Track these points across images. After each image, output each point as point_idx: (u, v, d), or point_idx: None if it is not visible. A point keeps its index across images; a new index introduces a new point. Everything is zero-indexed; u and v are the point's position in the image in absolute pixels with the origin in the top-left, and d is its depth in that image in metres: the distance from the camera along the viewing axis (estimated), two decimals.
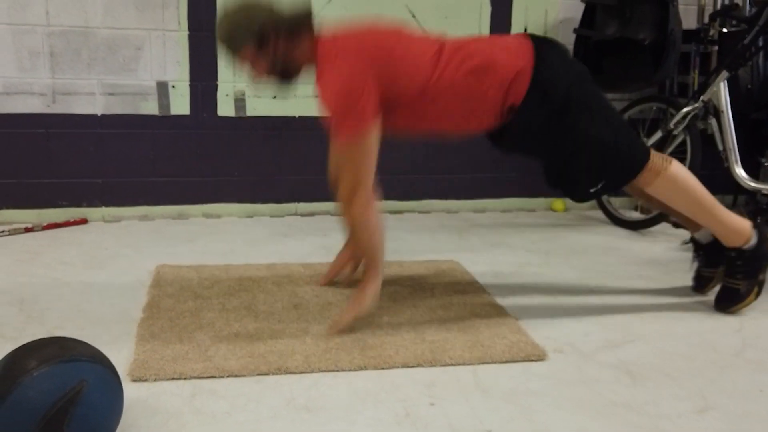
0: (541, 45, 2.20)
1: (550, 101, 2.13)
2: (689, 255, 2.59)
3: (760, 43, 3.03)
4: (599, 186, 2.24)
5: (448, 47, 2.17)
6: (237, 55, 2.13)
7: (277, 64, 2.14)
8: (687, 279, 2.63)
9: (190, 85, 3.35)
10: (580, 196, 2.31)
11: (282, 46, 2.11)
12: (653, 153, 2.25)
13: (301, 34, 2.13)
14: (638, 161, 2.22)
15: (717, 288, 2.42)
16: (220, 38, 2.13)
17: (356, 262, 2.47)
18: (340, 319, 2.10)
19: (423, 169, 3.69)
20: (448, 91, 2.12)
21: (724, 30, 3.39)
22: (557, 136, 2.17)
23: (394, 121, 2.15)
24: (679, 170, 2.25)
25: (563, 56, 2.23)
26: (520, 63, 2.12)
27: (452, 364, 1.91)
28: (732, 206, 3.82)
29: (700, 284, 2.51)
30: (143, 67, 3.29)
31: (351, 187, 2.09)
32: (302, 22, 2.13)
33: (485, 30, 3.60)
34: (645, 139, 3.36)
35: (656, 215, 3.35)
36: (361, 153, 2.09)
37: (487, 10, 3.59)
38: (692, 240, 2.50)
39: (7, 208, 3.27)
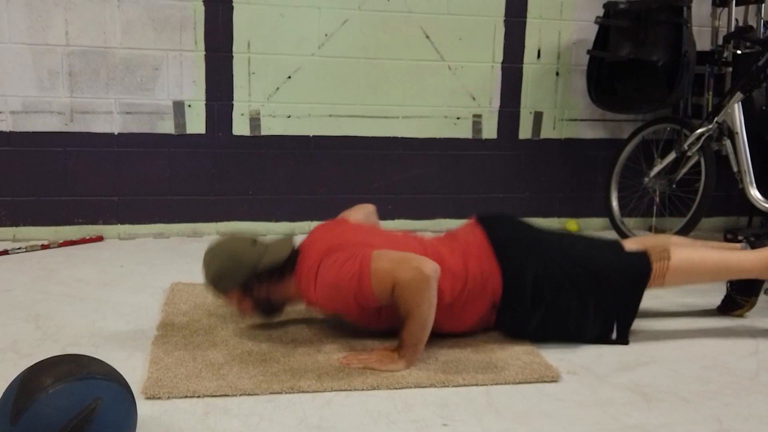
0: (493, 233, 2.23)
1: (524, 295, 2.15)
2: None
3: None
4: (615, 326, 2.23)
5: (426, 243, 2.21)
6: (222, 297, 2.20)
7: (261, 304, 2.19)
8: (701, 301, 2.62)
9: (206, 105, 3.39)
10: (606, 341, 2.26)
11: (265, 290, 2.16)
12: (651, 259, 2.23)
13: (283, 277, 2.16)
14: (641, 279, 2.21)
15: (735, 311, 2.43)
16: (206, 283, 2.18)
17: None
18: (356, 358, 2.02)
19: (435, 188, 3.70)
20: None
21: (738, 51, 3.39)
22: (547, 312, 2.17)
23: (380, 319, 2.13)
24: (680, 257, 2.23)
25: (515, 236, 2.27)
26: (486, 266, 2.15)
27: (465, 385, 1.91)
28: (747, 227, 3.80)
29: (728, 307, 2.49)
30: (160, 87, 3.33)
31: (409, 272, 1.93)
32: (284, 266, 2.16)
33: (499, 52, 3.62)
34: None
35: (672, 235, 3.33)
36: (385, 262, 1.99)
37: (500, 31, 3.61)
38: None
39: (25, 225, 3.31)
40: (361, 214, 2.48)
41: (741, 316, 2.46)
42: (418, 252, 2.12)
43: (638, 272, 2.23)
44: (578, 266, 2.20)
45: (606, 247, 2.37)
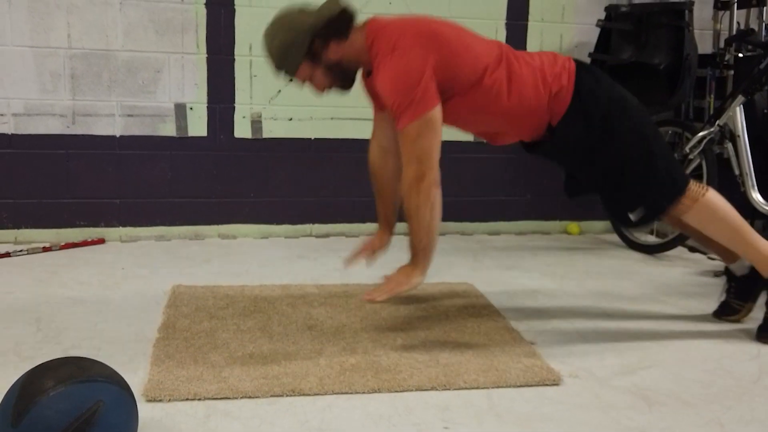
0: (582, 67, 2.22)
1: (589, 122, 2.14)
2: (708, 280, 2.58)
3: None
4: (639, 211, 2.23)
5: (506, 51, 2.19)
6: (295, 76, 2.16)
7: (334, 72, 2.16)
8: (703, 304, 2.62)
9: (208, 107, 3.39)
10: (620, 220, 2.28)
11: (333, 52, 2.13)
12: (691, 180, 2.25)
13: (346, 33, 2.13)
14: (677, 187, 2.22)
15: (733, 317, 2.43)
16: (275, 66, 2.15)
17: (378, 250, 2.48)
18: (378, 289, 2.07)
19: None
20: (502, 92, 2.13)
21: (740, 55, 3.39)
22: (594, 157, 2.18)
23: (445, 110, 2.13)
24: (716, 198, 2.25)
25: (603, 80, 2.24)
26: (563, 83, 2.15)
27: (466, 388, 1.90)
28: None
29: (724, 312, 2.48)
30: (162, 90, 3.33)
31: (416, 173, 2.06)
32: (342, 19, 2.13)
33: None
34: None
35: (672, 239, 3.33)
36: (426, 137, 2.05)
37: (502, 34, 3.61)
38: (726, 271, 2.48)
39: (26, 227, 3.31)
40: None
41: (737, 321, 2.45)
42: (493, 57, 2.13)
43: (679, 180, 2.23)
44: (644, 134, 2.20)
45: (669, 153, 2.37)
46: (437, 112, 2.06)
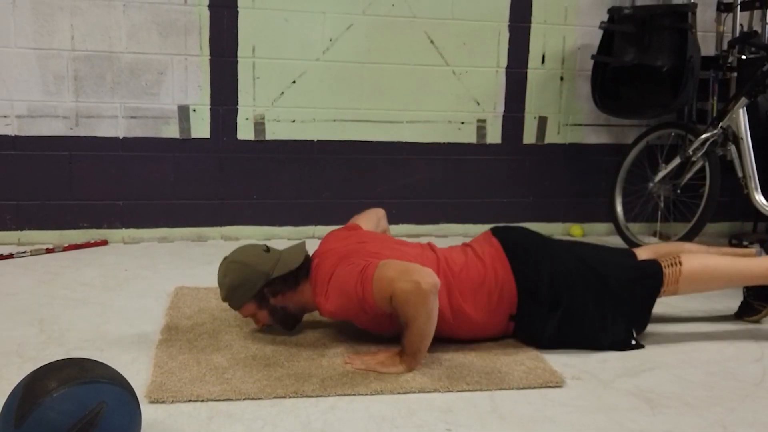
0: (507, 240, 2.24)
1: (540, 298, 2.15)
2: None
3: None
4: (633, 329, 2.23)
5: (441, 255, 2.20)
6: (238, 309, 2.20)
7: (278, 314, 2.19)
8: (706, 306, 2.62)
9: (211, 109, 3.40)
10: (625, 347, 2.25)
11: (280, 299, 2.17)
12: (663, 265, 2.24)
13: (298, 284, 2.17)
14: (654, 286, 2.22)
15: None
16: (222, 296, 2.19)
17: None
18: (359, 359, 2.03)
19: (440, 193, 3.70)
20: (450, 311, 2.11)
21: (743, 57, 3.39)
22: (568, 320, 2.17)
23: (391, 325, 2.10)
24: (692, 264, 2.24)
25: (529, 242, 2.27)
26: (501, 273, 2.16)
27: (469, 390, 1.90)
28: (752, 233, 3.80)
29: (745, 312, 2.49)
30: (165, 91, 3.34)
31: (410, 284, 1.89)
32: (297, 272, 2.16)
33: (503, 57, 3.62)
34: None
35: (676, 241, 3.32)
36: (388, 273, 1.95)
37: (505, 36, 3.61)
38: None
39: (30, 229, 3.32)
40: (373, 219, 2.48)
41: (757, 321, 2.45)
42: (430, 262, 2.12)
43: (651, 279, 2.23)
44: (592, 271, 2.21)
45: (618, 254, 2.40)
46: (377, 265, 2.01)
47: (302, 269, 2.17)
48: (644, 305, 2.25)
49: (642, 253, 2.42)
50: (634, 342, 2.21)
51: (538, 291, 2.16)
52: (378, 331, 2.17)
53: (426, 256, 2.19)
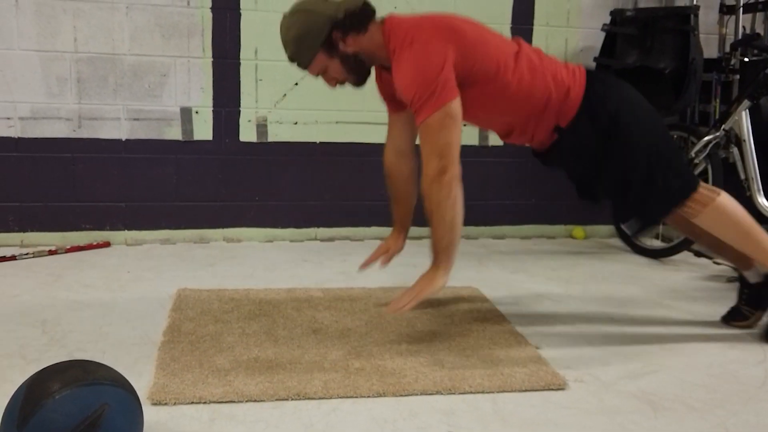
0: (593, 74, 2.22)
1: (597, 124, 2.13)
2: (712, 285, 2.57)
3: None
4: (644, 214, 2.23)
5: (525, 46, 2.18)
6: (309, 67, 2.14)
7: (350, 64, 2.14)
8: (709, 308, 2.61)
9: (213, 111, 3.40)
10: (624, 221, 2.27)
11: (350, 44, 2.11)
12: (702, 183, 2.23)
13: (365, 26, 2.11)
14: (684, 189, 2.21)
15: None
16: (290, 56, 2.13)
17: (393, 253, 2.50)
18: (402, 298, 2.03)
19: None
20: (520, 87, 2.11)
21: (746, 59, 3.39)
22: (601, 162, 2.17)
23: (463, 101, 2.10)
24: (727, 201, 2.23)
25: (614, 85, 2.23)
26: (575, 84, 2.15)
27: (471, 392, 1.90)
28: None
29: (733, 317, 2.47)
30: (168, 93, 3.34)
31: (438, 167, 2.02)
32: (362, 12, 2.11)
33: None
34: None
35: (678, 244, 3.32)
36: (446, 127, 2.02)
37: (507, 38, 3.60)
38: (740, 277, 2.46)
39: (32, 230, 3.32)
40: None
41: (747, 327, 2.44)
42: (510, 53, 2.13)
43: (686, 182, 2.21)
44: (653, 136, 2.18)
45: (678, 155, 2.36)
46: (457, 104, 2.03)
47: (370, 12, 2.11)
48: (664, 203, 2.22)
49: None
50: (630, 232, 2.20)
51: (602, 111, 2.12)
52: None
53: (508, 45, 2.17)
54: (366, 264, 2.46)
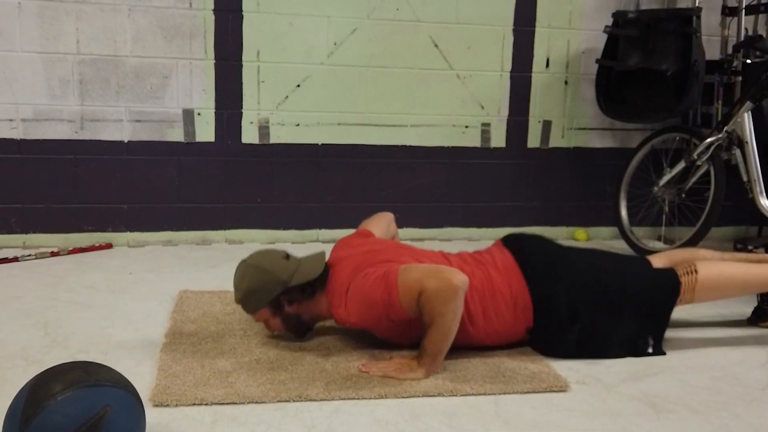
0: (520, 251, 2.22)
1: (558, 312, 2.13)
2: None
3: None
4: (650, 339, 2.22)
5: (455, 264, 2.18)
6: (251, 314, 2.19)
7: (291, 322, 2.18)
8: (712, 311, 2.61)
9: (216, 113, 3.40)
10: (643, 354, 2.24)
11: (295, 307, 2.16)
12: (678, 274, 2.23)
13: (314, 294, 2.16)
14: (671, 294, 2.22)
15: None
16: (237, 300, 2.18)
17: None
18: (375, 366, 2.02)
19: (444, 196, 3.70)
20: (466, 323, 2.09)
21: (748, 61, 3.38)
22: (587, 332, 2.15)
23: (410, 333, 2.11)
24: (708, 272, 2.23)
25: (543, 252, 2.24)
26: (516, 285, 2.14)
27: (473, 394, 1.90)
28: (757, 237, 3.78)
29: (759, 318, 2.48)
30: (170, 95, 3.35)
31: (438, 282, 1.92)
32: (315, 283, 2.15)
33: (507, 61, 3.62)
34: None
35: (680, 245, 3.32)
36: (414, 275, 1.97)
37: (509, 40, 3.61)
38: None
39: (35, 232, 3.32)
40: (383, 224, 2.47)
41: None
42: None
43: (667, 288, 2.22)
44: (610, 281, 2.19)
45: (634, 263, 2.39)
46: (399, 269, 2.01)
47: (320, 280, 2.16)
48: (662, 314, 2.23)
49: (656, 261, 2.41)
50: (651, 351, 2.20)
51: (555, 304, 2.13)
52: (398, 341, 2.15)
53: (438, 262, 2.18)
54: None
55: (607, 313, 2.16)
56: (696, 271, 2.22)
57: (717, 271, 2.24)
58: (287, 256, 2.19)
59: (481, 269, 2.17)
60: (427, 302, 1.92)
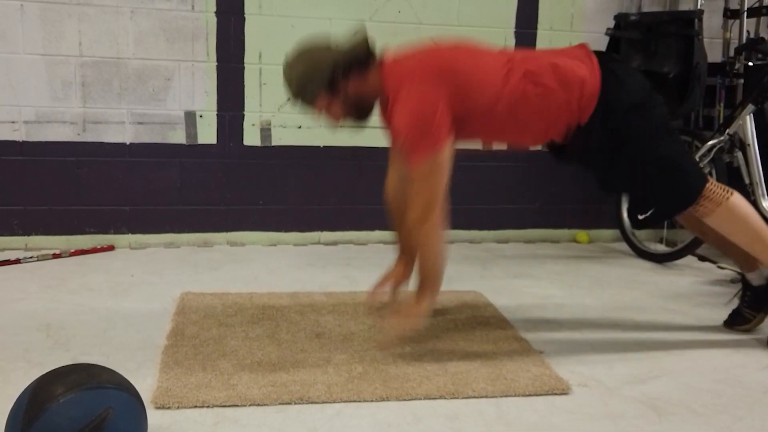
0: (606, 62, 2.20)
1: (613, 121, 2.13)
2: (717, 289, 2.56)
3: None
4: (654, 210, 2.23)
5: (517, 59, 2.18)
6: (311, 105, 2.17)
7: (351, 104, 2.17)
8: (713, 313, 2.61)
9: (218, 115, 3.41)
10: (634, 220, 2.27)
11: (352, 86, 2.14)
12: (714, 183, 2.24)
13: (367, 68, 2.15)
14: (696, 187, 2.21)
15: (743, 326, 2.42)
16: (292, 94, 2.16)
17: (400, 283, 2.46)
18: (389, 333, 2.07)
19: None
20: (519, 103, 2.12)
21: (750, 63, 3.38)
22: (614, 159, 2.17)
23: (469, 132, 2.16)
24: (740, 202, 2.23)
25: (624, 76, 2.21)
26: (589, 80, 2.13)
27: (475, 397, 1.90)
28: None
29: (735, 321, 2.47)
30: (172, 97, 3.35)
31: (424, 208, 2.09)
32: (365, 55, 2.15)
33: None
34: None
35: (682, 248, 3.31)
36: (435, 174, 2.09)
37: (511, 43, 3.61)
38: (743, 279, 2.46)
39: (37, 234, 3.33)
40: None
41: (747, 331, 2.43)
42: (502, 73, 2.12)
43: (698, 181, 2.21)
44: (665, 133, 2.20)
45: (690, 158, 2.37)
46: (447, 150, 2.08)
47: (370, 53, 2.15)
48: (676, 202, 2.23)
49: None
50: (641, 217, 2.23)
51: (616, 114, 2.12)
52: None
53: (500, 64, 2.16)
54: (374, 295, 2.45)
55: (634, 160, 2.16)
56: (731, 194, 2.21)
57: (746, 209, 2.23)
58: (326, 43, 2.16)
59: (551, 59, 2.17)
60: (409, 223, 2.07)
